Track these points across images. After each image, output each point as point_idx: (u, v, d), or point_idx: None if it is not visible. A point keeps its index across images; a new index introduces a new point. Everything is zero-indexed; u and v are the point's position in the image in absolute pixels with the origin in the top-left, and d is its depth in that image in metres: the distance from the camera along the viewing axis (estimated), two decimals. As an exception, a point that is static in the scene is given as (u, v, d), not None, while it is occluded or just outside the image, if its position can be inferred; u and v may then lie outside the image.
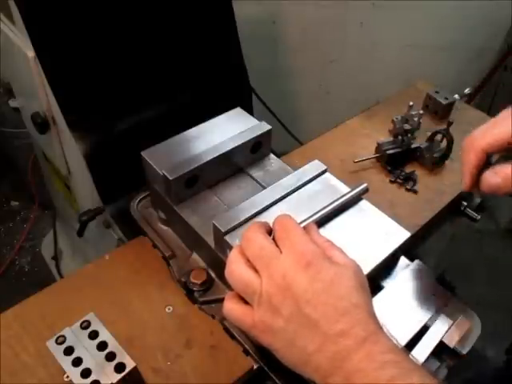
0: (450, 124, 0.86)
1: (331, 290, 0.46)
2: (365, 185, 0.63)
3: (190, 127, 0.74)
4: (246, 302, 0.50)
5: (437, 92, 1.01)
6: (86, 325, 0.55)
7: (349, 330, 0.44)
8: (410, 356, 0.55)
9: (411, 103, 0.81)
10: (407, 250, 0.65)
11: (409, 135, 0.90)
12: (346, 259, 0.50)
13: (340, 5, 1.79)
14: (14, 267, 1.87)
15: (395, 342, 0.55)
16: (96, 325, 0.55)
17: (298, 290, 0.46)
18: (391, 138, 0.92)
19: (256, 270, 0.49)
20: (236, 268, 0.50)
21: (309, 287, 0.46)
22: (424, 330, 0.58)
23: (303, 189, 0.65)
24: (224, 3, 0.97)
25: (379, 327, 0.45)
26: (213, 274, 0.67)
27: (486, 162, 0.52)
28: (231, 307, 0.51)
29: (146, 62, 0.90)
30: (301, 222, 0.55)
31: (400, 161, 0.91)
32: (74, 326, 0.55)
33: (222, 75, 1.02)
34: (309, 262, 0.47)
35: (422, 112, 0.88)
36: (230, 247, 0.57)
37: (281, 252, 0.49)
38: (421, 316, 0.58)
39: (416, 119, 0.89)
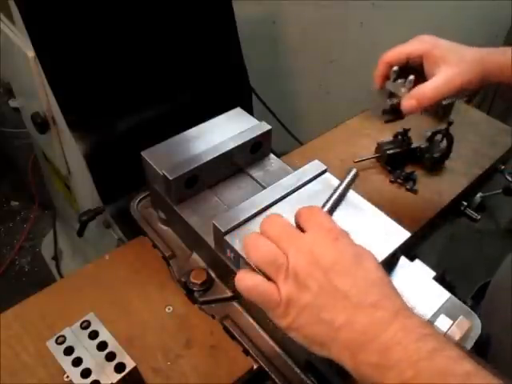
0: (450, 124, 0.86)
1: (360, 263, 0.45)
2: (354, 170, 0.64)
3: (190, 127, 0.74)
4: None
5: (437, 92, 1.01)
6: (86, 325, 0.55)
7: (380, 302, 0.42)
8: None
9: (395, 68, 0.66)
10: (407, 250, 0.65)
11: (409, 135, 0.90)
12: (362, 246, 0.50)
13: (340, 5, 1.79)
14: (14, 267, 1.87)
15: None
16: (96, 325, 0.55)
17: (327, 263, 0.44)
18: (391, 138, 0.93)
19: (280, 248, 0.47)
20: (260, 243, 0.48)
21: (338, 259, 0.44)
22: (424, 330, 0.58)
23: (303, 189, 0.65)
24: (224, 3, 0.97)
25: (406, 304, 0.44)
26: (213, 274, 0.67)
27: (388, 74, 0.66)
28: (255, 283, 0.46)
29: (145, 62, 0.90)
30: None
31: (400, 161, 0.91)
32: (73, 325, 0.55)
33: (222, 75, 1.02)
34: (336, 237, 0.46)
35: (412, 77, 0.66)
36: (230, 247, 0.57)
37: (305, 232, 0.48)
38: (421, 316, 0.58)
39: (404, 89, 0.67)
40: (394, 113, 0.69)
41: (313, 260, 0.44)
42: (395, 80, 0.67)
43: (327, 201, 0.59)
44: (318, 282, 0.43)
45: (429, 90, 0.62)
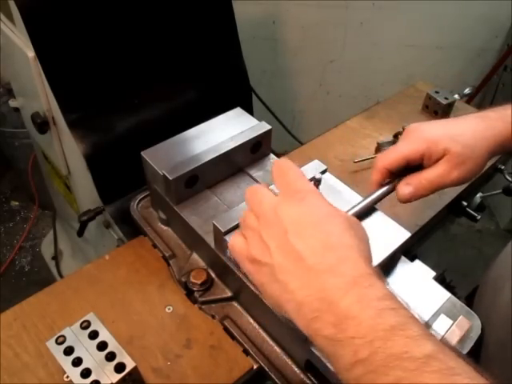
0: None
1: (322, 226, 0.43)
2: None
3: (190, 127, 0.74)
4: None
5: (437, 92, 1.01)
6: (86, 325, 0.55)
7: (336, 267, 0.39)
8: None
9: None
10: (407, 249, 0.65)
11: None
12: (343, 212, 0.48)
13: (340, 5, 1.79)
14: (14, 267, 1.87)
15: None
16: (96, 325, 0.55)
17: (287, 222, 0.43)
18: (391, 138, 0.92)
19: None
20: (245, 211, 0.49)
21: (299, 219, 0.43)
22: (424, 330, 0.58)
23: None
24: (224, 3, 0.97)
25: (373, 271, 0.40)
26: (213, 274, 0.67)
27: (394, 177, 0.61)
28: (233, 242, 0.48)
29: (145, 62, 0.90)
30: None
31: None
32: (74, 326, 0.55)
33: (222, 75, 1.02)
34: (303, 198, 0.45)
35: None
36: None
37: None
38: (421, 316, 0.58)
39: None
40: None
41: (275, 219, 0.43)
42: None
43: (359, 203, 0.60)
44: (277, 241, 0.43)
45: (428, 179, 0.58)
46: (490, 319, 0.68)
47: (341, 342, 0.36)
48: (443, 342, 0.36)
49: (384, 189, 0.61)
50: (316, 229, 0.42)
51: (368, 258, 0.43)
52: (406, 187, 0.59)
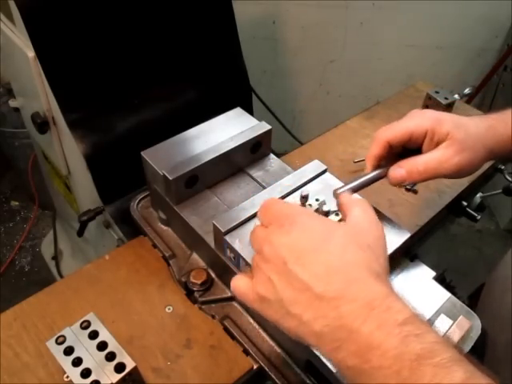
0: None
1: (320, 248, 0.41)
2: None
3: (190, 127, 0.74)
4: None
5: (437, 92, 1.01)
6: (86, 325, 0.55)
7: (345, 291, 0.38)
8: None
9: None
10: (407, 250, 0.65)
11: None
12: (337, 224, 0.46)
13: (340, 5, 1.79)
14: (14, 267, 1.87)
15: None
16: (96, 325, 0.55)
17: (284, 252, 0.41)
18: (391, 138, 0.92)
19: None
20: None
21: (295, 246, 0.41)
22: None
23: (303, 189, 0.65)
24: (224, 3, 0.97)
25: (387, 288, 0.38)
26: (213, 274, 0.67)
27: (390, 154, 0.57)
28: (236, 284, 0.46)
29: (145, 62, 0.90)
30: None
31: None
32: (74, 326, 0.55)
33: (222, 75, 1.02)
34: (292, 222, 0.43)
35: None
36: (230, 247, 0.57)
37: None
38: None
39: None
40: None
41: (271, 252, 0.42)
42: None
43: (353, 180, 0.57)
44: (278, 273, 0.41)
45: (422, 163, 0.55)
46: (498, 319, 0.67)
47: (366, 372, 0.35)
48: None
49: (376, 172, 0.58)
50: (315, 253, 0.41)
51: (378, 273, 0.40)
52: (398, 169, 0.56)
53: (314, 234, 0.42)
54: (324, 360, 0.52)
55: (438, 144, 0.56)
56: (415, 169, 0.55)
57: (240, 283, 0.46)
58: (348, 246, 0.41)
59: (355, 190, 0.56)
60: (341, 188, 0.55)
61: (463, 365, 0.33)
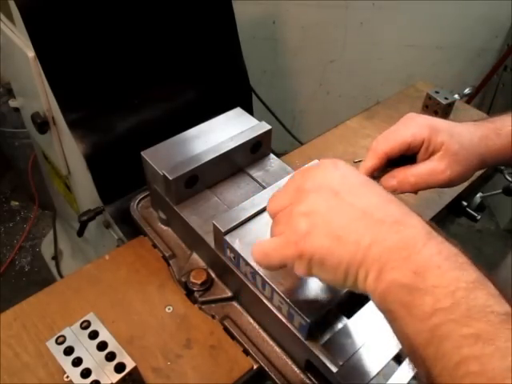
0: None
1: (369, 186, 0.42)
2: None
3: (190, 127, 0.74)
4: None
5: (437, 92, 1.01)
6: (86, 325, 0.55)
7: (405, 219, 0.39)
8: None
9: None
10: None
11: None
12: None
13: (340, 5, 1.79)
14: (14, 267, 1.87)
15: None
16: (96, 325, 0.55)
17: (334, 184, 0.41)
18: (391, 138, 0.92)
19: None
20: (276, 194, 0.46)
21: (345, 181, 0.42)
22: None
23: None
24: (224, 3, 0.97)
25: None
26: (213, 274, 0.67)
27: (386, 165, 0.57)
28: (261, 244, 0.44)
29: (145, 62, 0.90)
30: None
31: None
32: (74, 326, 0.55)
33: (222, 75, 1.02)
34: (337, 165, 0.44)
35: None
36: (230, 247, 0.57)
37: None
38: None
39: None
40: None
41: (319, 184, 0.41)
42: None
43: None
44: (329, 203, 0.40)
45: (413, 175, 0.55)
46: None
47: (421, 291, 0.35)
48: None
49: None
50: (367, 187, 0.42)
51: None
52: (390, 179, 0.56)
53: (359, 178, 0.43)
54: (324, 360, 0.52)
55: (432, 153, 0.55)
56: (407, 180, 0.56)
57: (265, 243, 0.43)
58: (387, 193, 0.42)
59: None
60: None
61: (506, 302, 0.34)
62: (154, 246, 0.73)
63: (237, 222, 0.58)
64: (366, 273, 0.38)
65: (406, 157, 0.57)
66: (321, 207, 0.40)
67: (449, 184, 0.56)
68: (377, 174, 0.57)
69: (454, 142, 0.55)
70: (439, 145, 0.55)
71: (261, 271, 0.54)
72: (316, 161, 0.68)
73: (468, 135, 0.57)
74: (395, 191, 0.56)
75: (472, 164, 0.56)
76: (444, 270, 0.35)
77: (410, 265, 0.36)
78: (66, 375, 0.54)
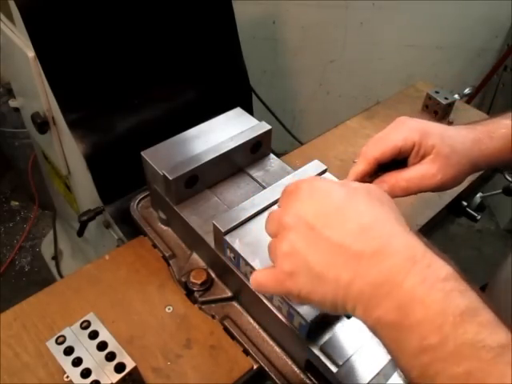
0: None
1: (348, 207, 0.39)
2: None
3: (190, 127, 0.74)
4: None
5: (437, 92, 1.01)
6: (86, 325, 0.55)
7: (385, 247, 0.36)
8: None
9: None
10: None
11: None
12: (359, 184, 0.44)
13: (340, 5, 1.79)
14: (14, 267, 1.87)
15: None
16: (96, 325, 0.55)
17: (309, 217, 0.39)
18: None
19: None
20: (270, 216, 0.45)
21: (320, 210, 0.39)
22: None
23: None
24: (224, 3, 0.97)
25: (423, 244, 0.37)
26: (213, 274, 0.67)
27: (377, 169, 0.56)
28: (256, 276, 0.44)
29: (145, 62, 0.90)
30: None
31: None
32: (74, 326, 0.55)
33: (222, 75, 1.02)
34: (311, 186, 0.41)
35: None
36: (230, 247, 0.57)
37: None
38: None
39: None
40: None
41: (294, 221, 0.40)
42: None
43: None
44: (306, 240, 0.39)
45: (404, 180, 0.54)
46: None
47: (406, 327, 0.34)
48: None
49: None
50: (344, 213, 0.39)
51: (406, 226, 0.39)
52: (381, 184, 0.55)
53: (338, 194, 0.40)
54: (324, 360, 0.52)
55: (423, 157, 0.55)
56: (398, 185, 0.55)
57: (259, 274, 0.44)
58: (373, 202, 0.40)
59: None
60: None
61: (504, 328, 0.32)
62: (154, 246, 0.73)
63: (237, 222, 0.58)
64: (352, 307, 0.37)
65: (398, 161, 0.57)
66: (300, 246, 0.39)
67: (441, 188, 0.55)
68: (368, 179, 0.57)
69: (445, 145, 0.54)
70: (430, 148, 0.54)
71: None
72: (316, 161, 0.69)
73: (460, 139, 0.56)
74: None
75: (464, 168, 0.55)
76: (428, 304, 0.33)
77: (393, 301, 0.34)
78: (65, 375, 0.54)
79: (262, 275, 0.44)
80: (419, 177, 0.54)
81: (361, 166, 0.55)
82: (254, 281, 0.44)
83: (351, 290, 0.37)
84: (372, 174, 0.56)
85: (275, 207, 0.47)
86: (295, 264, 0.40)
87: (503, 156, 0.56)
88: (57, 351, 0.52)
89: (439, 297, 0.33)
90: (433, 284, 0.33)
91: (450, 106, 1.00)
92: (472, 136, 0.57)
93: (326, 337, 0.53)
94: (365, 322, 0.37)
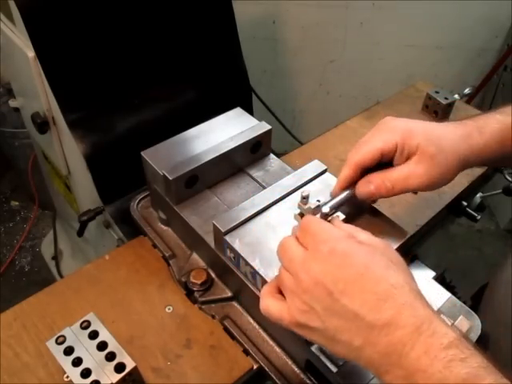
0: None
1: (366, 275, 0.41)
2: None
3: (190, 127, 0.74)
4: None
5: (437, 92, 1.01)
6: (86, 325, 0.55)
7: (396, 318, 0.38)
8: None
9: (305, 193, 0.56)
10: (407, 250, 0.65)
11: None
12: (372, 239, 0.45)
13: (340, 5, 1.79)
14: (14, 267, 1.87)
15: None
16: (96, 325, 0.55)
17: (328, 282, 0.41)
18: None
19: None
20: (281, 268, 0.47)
21: (339, 276, 0.41)
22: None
23: (303, 189, 0.65)
24: (224, 3, 0.97)
25: (431, 311, 0.39)
26: (213, 274, 0.67)
27: (363, 174, 0.56)
28: (268, 308, 0.46)
29: (146, 62, 0.90)
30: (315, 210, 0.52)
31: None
32: (74, 326, 0.55)
33: (222, 75, 1.02)
34: (332, 249, 0.42)
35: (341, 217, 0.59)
36: (230, 247, 0.57)
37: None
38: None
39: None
40: None
41: (312, 281, 0.42)
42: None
43: (332, 198, 0.56)
44: (324, 303, 0.41)
45: (390, 180, 0.54)
46: (502, 324, 0.67)
47: None
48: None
49: (347, 192, 0.56)
50: (362, 281, 0.41)
51: (419, 294, 0.41)
52: (366, 185, 0.55)
53: (356, 261, 0.42)
54: (324, 360, 0.52)
55: (408, 157, 0.54)
56: (383, 185, 0.54)
57: (272, 307, 0.45)
58: (389, 269, 0.42)
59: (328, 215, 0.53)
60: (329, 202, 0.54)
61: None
62: (154, 246, 0.73)
63: (237, 222, 0.58)
64: (364, 366, 0.41)
65: (387, 162, 0.56)
66: (316, 307, 0.42)
67: (428, 187, 0.55)
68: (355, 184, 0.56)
69: (430, 144, 0.53)
70: (414, 148, 0.53)
71: (261, 271, 0.54)
72: (316, 161, 0.69)
73: (447, 135, 0.55)
74: (372, 197, 0.55)
75: (452, 165, 0.54)
76: (430, 373, 0.36)
77: (400, 370, 0.37)
78: (65, 375, 0.54)
79: (275, 309, 0.45)
80: (404, 177, 0.54)
81: (345, 172, 0.56)
82: (267, 311, 0.46)
83: (362, 355, 0.40)
84: (359, 179, 0.56)
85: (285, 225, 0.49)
86: (310, 319, 0.42)
87: (494, 151, 0.55)
88: (57, 351, 0.52)
89: (440, 366, 0.36)
90: (435, 354, 0.36)
91: (450, 105, 1.00)
92: (460, 131, 0.56)
93: (326, 337, 0.53)
94: (379, 379, 0.41)
